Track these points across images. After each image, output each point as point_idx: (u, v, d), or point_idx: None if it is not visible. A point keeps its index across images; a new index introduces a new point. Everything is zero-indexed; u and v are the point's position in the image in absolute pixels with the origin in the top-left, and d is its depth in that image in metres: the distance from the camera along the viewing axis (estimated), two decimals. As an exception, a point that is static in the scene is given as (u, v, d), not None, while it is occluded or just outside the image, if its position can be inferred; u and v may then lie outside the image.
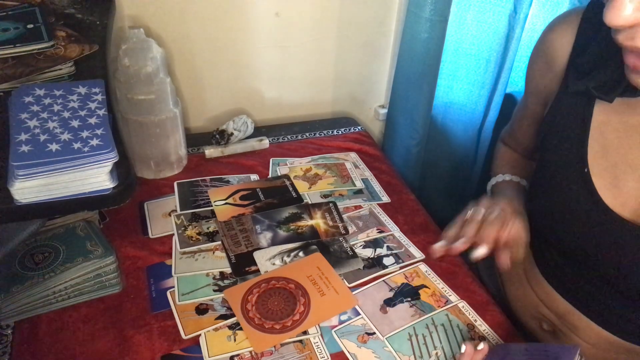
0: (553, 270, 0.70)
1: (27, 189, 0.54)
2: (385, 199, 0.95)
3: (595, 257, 0.62)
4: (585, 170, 0.61)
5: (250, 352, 0.66)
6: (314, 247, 0.83)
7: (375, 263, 0.81)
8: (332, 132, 1.16)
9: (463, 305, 0.75)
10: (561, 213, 0.64)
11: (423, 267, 0.80)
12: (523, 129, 0.80)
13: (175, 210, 0.88)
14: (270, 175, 0.99)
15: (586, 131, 0.61)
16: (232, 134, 1.03)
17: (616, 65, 0.57)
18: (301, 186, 0.96)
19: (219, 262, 0.78)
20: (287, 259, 0.80)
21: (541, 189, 0.68)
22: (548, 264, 0.71)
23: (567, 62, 0.64)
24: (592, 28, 0.62)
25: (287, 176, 0.98)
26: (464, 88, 1.18)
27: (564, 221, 0.64)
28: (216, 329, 0.68)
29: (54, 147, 0.55)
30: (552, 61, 0.66)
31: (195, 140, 1.06)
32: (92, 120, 0.59)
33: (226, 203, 0.90)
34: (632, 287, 0.60)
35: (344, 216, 0.90)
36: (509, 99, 1.18)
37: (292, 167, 1.01)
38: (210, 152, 1.02)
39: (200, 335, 0.68)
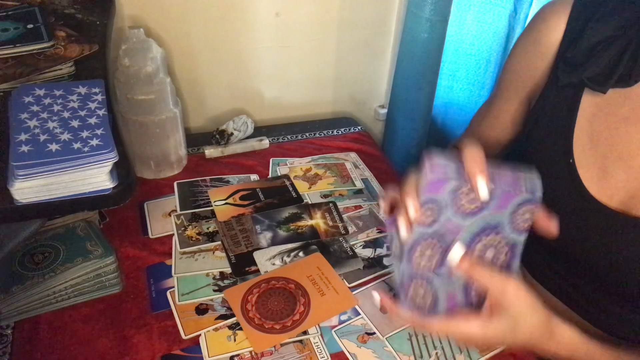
0: (539, 265, 0.70)
1: (27, 189, 0.54)
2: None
3: (582, 250, 0.62)
4: (571, 161, 0.61)
5: (250, 352, 0.66)
6: (314, 247, 0.83)
7: (375, 263, 0.81)
8: (332, 132, 1.16)
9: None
10: (546, 205, 0.64)
11: (423, 267, 0.80)
12: (496, 130, 0.78)
13: (175, 210, 0.88)
14: (270, 175, 0.99)
15: (572, 122, 0.61)
16: (232, 134, 1.03)
17: (609, 54, 0.57)
18: (301, 186, 0.96)
19: (219, 262, 0.78)
20: (287, 259, 0.80)
21: None
22: (533, 259, 0.71)
23: (556, 52, 0.64)
24: (583, 15, 0.61)
25: (287, 176, 0.98)
26: (464, 88, 1.19)
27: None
28: (216, 329, 0.68)
29: (54, 147, 0.55)
30: (541, 49, 0.65)
31: (195, 140, 1.06)
32: (92, 120, 0.59)
33: (226, 203, 0.90)
34: (621, 280, 0.60)
35: (344, 216, 0.90)
36: (509, 99, 1.18)
37: (292, 167, 1.01)
38: (210, 152, 1.02)
39: (200, 335, 0.67)
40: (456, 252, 0.53)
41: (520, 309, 0.52)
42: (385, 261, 0.81)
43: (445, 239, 0.53)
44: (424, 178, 0.51)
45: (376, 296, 0.58)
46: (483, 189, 0.49)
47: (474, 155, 0.49)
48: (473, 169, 0.49)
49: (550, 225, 0.53)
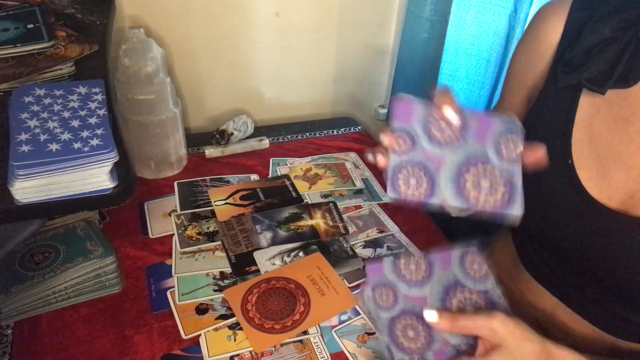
0: (538, 265, 0.70)
1: (27, 189, 0.54)
2: (386, 199, 0.95)
3: (582, 250, 0.62)
4: (569, 161, 0.61)
5: (250, 352, 0.66)
6: (314, 247, 0.83)
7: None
8: (332, 132, 1.16)
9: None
10: (545, 206, 0.64)
11: (423, 267, 0.80)
12: None
13: (175, 210, 0.87)
14: (270, 175, 0.99)
15: (571, 122, 0.61)
16: (232, 134, 1.03)
17: (607, 55, 0.57)
18: (301, 186, 0.96)
19: (219, 262, 0.78)
20: (287, 259, 0.80)
21: (524, 182, 0.67)
22: (533, 260, 0.71)
23: (554, 53, 0.64)
24: (582, 16, 0.61)
25: (287, 176, 0.98)
26: (464, 88, 1.18)
27: (548, 214, 0.64)
28: (216, 329, 0.68)
29: (54, 147, 0.55)
30: (540, 51, 0.66)
31: (195, 140, 1.06)
32: (92, 120, 0.59)
33: (226, 203, 0.90)
34: (621, 280, 0.60)
35: (344, 216, 0.90)
36: (509, 99, 1.18)
37: (292, 167, 1.01)
38: (210, 152, 1.02)
39: (200, 335, 0.67)
40: (431, 316, 0.54)
41: (514, 344, 0.51)
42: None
43: (429, 169, 0.53)
44: (393, 114, 0.52)
45: None
46: (451, 113, 0.51)
47: (444, 92, 0.51)
48: (441, 100, 0.51)
49: (538, 155, 0.53)
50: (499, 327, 0.51)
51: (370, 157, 0.56)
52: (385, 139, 0.52)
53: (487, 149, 0.53)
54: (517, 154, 0.53)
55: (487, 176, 0.54)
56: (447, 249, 0.56)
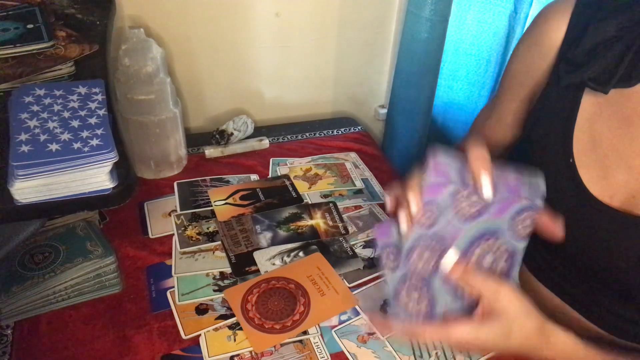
0: (540, 265, 0.70)
1: (27, 189, 0.54)
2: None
3: (584, 249, 0.62)
4: (571, 161, 0.61)
5: (250, 352, 0.66)
6: (314, 247, 0.83)
7: (375, 263, 0.81)
8: (332, 132, 1.16)
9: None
10: (547, 205, 0.64)
11: (423, 267, 0.80)
12: (499, 132, 0.77)
13: (175, 210, 0.87)
14: (270, 175, 0.99)
15: (572, 122, 0.61)
16: (232, 134, 1.03)
17: (611, 54, 0.57)
18: (301, 186, 0.96)
19: (219, 262, 0.78)
20: (287, 259, 0.80)
21: None
22: (535, 259, 0.71)
23: (557, 52, 0.64)
24: (585, 15, 0.61)
25: (287, 176, 0.98)
26: (464, 88, 1.19)
27: (550, 214, 0.64)
28: (216, 329, 0.68)
29: (54, 147, 0.55)
30: (543, 50, 0.65)
31: (195, 140, 1.06)
32: (92, 120, 0.59)
33: (226, 203, 0.90)
34: (622, 280, 0.60)
35: (344, 216, 0.90)
36: (509, 99, 1.18)
37: (292, 167, 1.01)
38: (210, 152, 1.02)
39: (200, 335, 0.67)
40: (449, 258, 0.52)
41: (514, 315, 0.51)
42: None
43: (444, 242, 0.53)
44: (427, 177, 0.51)
45: (365, 317, 0.59)
46: (487, 189, 0.49)
47: (479, 155, 0.49)
48: (478, 168, 0.49)
49: (555, 230, 0.53)
50: (504, 296, 0.51)
51: (388, 205, 0.55)
52: (414, 208, 0.50)
53: (502, 223, 0.52)
54: (527, 232, 0.52)
55: (493, 252, 0.53)
56: (517, 190, 0.51)
